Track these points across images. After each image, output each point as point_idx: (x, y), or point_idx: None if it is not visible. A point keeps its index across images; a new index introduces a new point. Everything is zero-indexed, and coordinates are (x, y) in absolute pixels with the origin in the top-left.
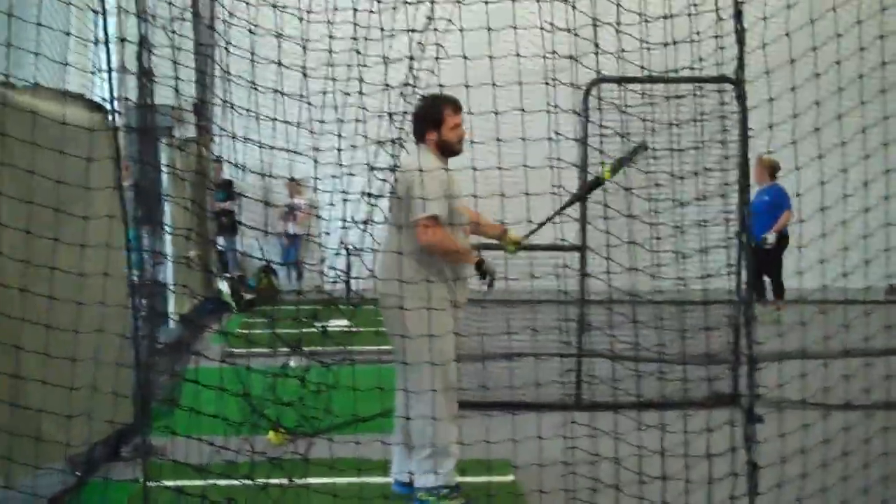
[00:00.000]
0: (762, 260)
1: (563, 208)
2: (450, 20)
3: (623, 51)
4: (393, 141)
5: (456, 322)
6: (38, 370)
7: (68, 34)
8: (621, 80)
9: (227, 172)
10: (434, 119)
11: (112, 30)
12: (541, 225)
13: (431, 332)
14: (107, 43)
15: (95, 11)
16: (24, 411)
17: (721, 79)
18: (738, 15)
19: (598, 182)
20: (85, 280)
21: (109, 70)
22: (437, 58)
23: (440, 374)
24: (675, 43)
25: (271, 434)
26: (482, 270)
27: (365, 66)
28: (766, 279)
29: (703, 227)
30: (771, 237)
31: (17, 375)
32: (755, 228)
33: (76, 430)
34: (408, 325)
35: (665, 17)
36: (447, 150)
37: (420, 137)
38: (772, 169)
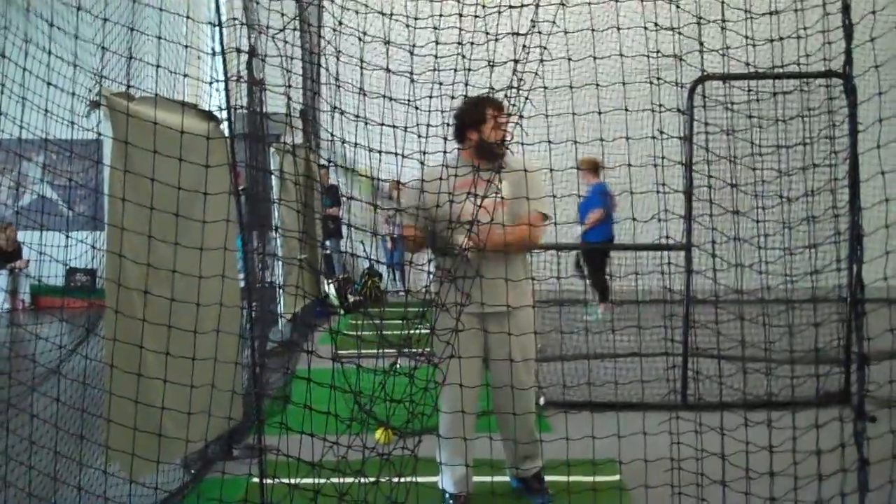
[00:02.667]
0: (590, 260)
1: None
2: (554, 22)
3: (728, 48)
4: (502, 142)
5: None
6: (159, 369)
7: (186, 47)
8: (726, 78)
9: (333, 178)
10: (475, 118)
11: (225, 41)
12: None
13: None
14: (223, 53)
15: (213, 24)
16: (144, 409)
17: (829, 73)
18: (846, 9)
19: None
20: (201, 282)
21: (226, 80)
22: (541, 60)
23: (443, 394)
24: (781, 39)
25: (379, 432)
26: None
27: (470, 69)
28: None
29: (811, 224)
30: (578, 229)
31: (140, 374)
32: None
33: (194, 428)
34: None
35: (771, 14)
36: (487, 151)
37: (461, 138)
38: (593, 167)
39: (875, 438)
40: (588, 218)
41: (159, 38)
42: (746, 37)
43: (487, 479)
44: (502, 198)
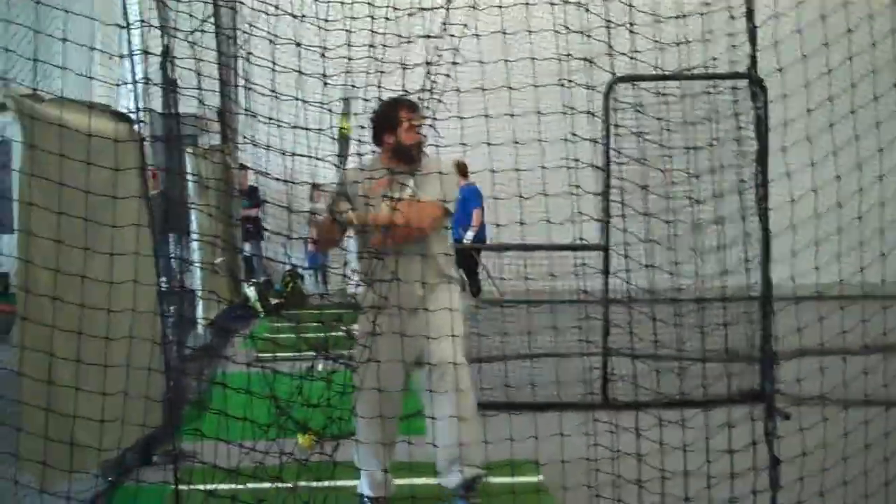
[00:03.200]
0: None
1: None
2: (465, 25)
3: (636, 51)
4: (418, 145)
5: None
6: (71, 377)
7: (93, 49)
8: (642, 79)
9: (252, 179)
10: (390, 121)
11: (136, 43)
12: None
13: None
14: (131, 56)
15: (120, 26)
16: (58, 417)
17: (738, 75)
18: (750, 14)
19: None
20: (115, 287)
21: (134, 82)
22: (454, 63)
23: (360, 397)
24: (687, 42)
25: (300, 437)
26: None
27: (382, 72)
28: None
29: (720, 225)
30: (469, 234)
31: (51, 382)
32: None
33: (108, 435)
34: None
35: (677, 17)
36: (404, 153)
37: (378, 142)
38: (460, 170)
39: (787, 436)
40: (475, 220)
41: (64, 40)
42: (655, 40)
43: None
44: (411, 196)
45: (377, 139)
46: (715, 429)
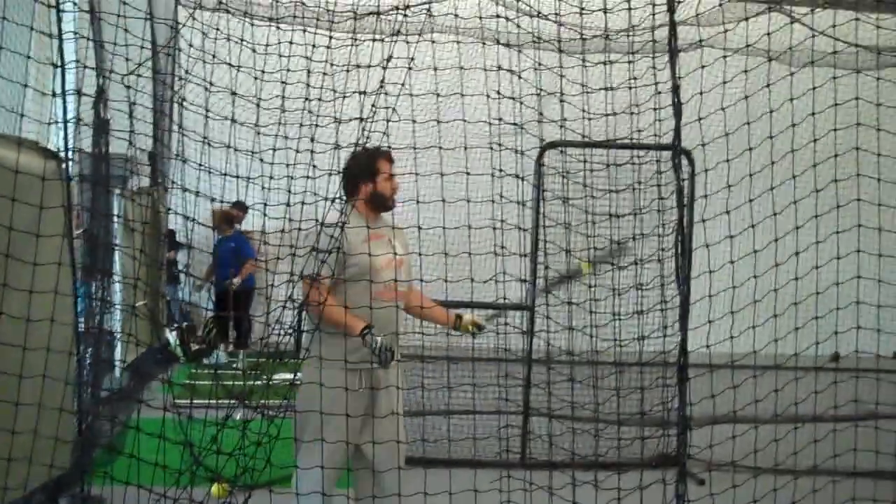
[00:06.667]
0: (232, 306)
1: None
2: (403, 84)
3: (566, 119)
4: (342, 198)
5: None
6: None
7: (25, 86)
8: (573, 145)
9: (172, 223)
10: (368, 170)
11: (70, 82)
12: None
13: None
14: (63, 95)
15: (55, 65)
16: None
17: (667, 147)
18: (676, 90)
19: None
20: (31, 326)
21: (65, 121)
22: (387, 120)
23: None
24: (615, 114)
25: (214, 487)
26: (368, 343)
27: (317, 125)
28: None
29: (639, 290)
30: (236, 280)
31: None
32: (223, 274)
33: (14, 475)
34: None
35: (606, 89)
36: (380, 203)
37: (352, 191)
38: (225, 218)
39: (697, 500)
40: (246, 266)
41: None
42: (583, 110)
43: None
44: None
45: (352, 187)
46: (627, 491)
